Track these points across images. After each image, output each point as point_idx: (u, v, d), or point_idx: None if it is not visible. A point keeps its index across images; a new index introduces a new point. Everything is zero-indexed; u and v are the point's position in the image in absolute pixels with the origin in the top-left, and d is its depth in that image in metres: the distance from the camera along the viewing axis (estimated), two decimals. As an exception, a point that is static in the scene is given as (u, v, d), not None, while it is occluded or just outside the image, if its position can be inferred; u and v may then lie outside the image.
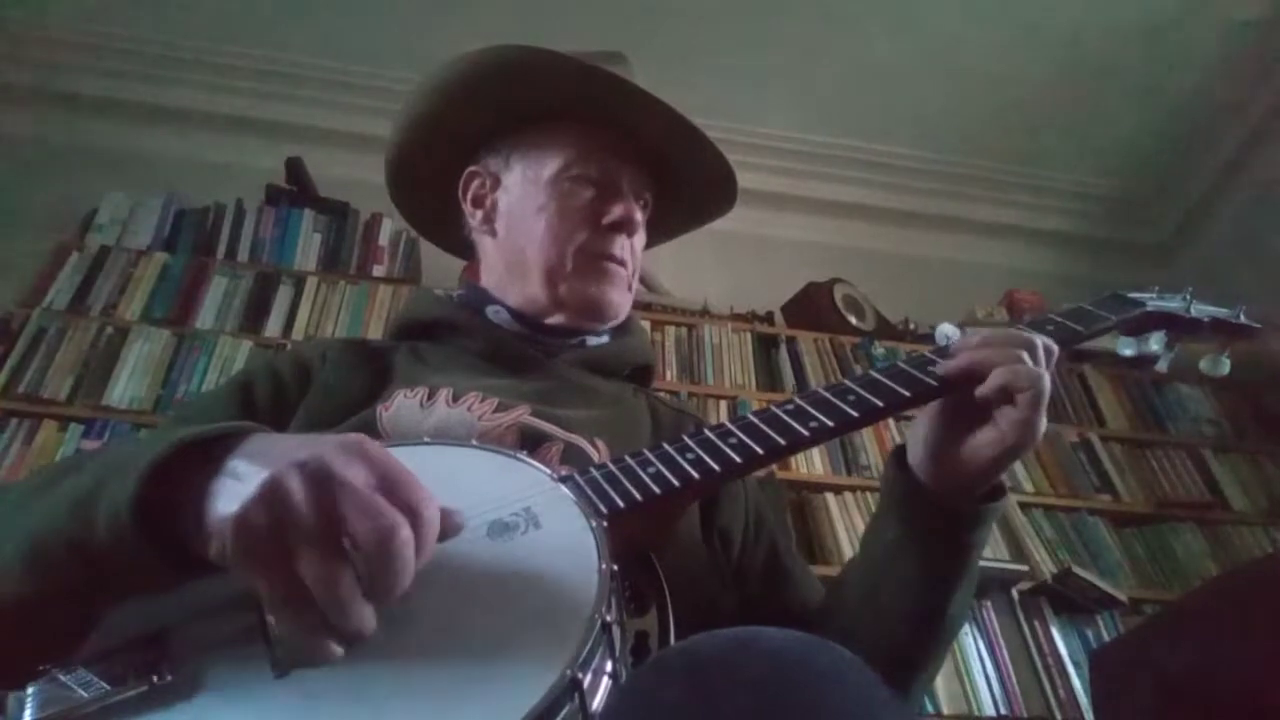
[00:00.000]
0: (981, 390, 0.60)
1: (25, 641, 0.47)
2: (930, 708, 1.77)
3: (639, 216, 0.91)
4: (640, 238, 0.94)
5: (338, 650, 0.43)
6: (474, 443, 0.64)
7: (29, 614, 0.48)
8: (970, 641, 1.90)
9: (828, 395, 0.62)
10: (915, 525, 0.65)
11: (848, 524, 2.04)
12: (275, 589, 0.43)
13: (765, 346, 2.44)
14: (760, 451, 0.58)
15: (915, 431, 0.66)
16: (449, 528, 0.48)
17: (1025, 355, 0.60)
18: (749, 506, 0.84)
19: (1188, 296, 0.78)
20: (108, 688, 0.44)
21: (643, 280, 2.31)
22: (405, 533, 0.43)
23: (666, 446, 0.60)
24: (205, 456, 0.47)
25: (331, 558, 0.42)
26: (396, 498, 0.45)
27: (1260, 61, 2.73)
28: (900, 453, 0.68)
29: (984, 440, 0.60)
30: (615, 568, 0.49)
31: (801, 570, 0.85)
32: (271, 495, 0.43)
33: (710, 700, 0.40)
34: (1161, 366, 0.76)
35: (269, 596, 0.43)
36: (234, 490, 0.44)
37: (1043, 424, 0.59)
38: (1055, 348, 0.63)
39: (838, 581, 0.76)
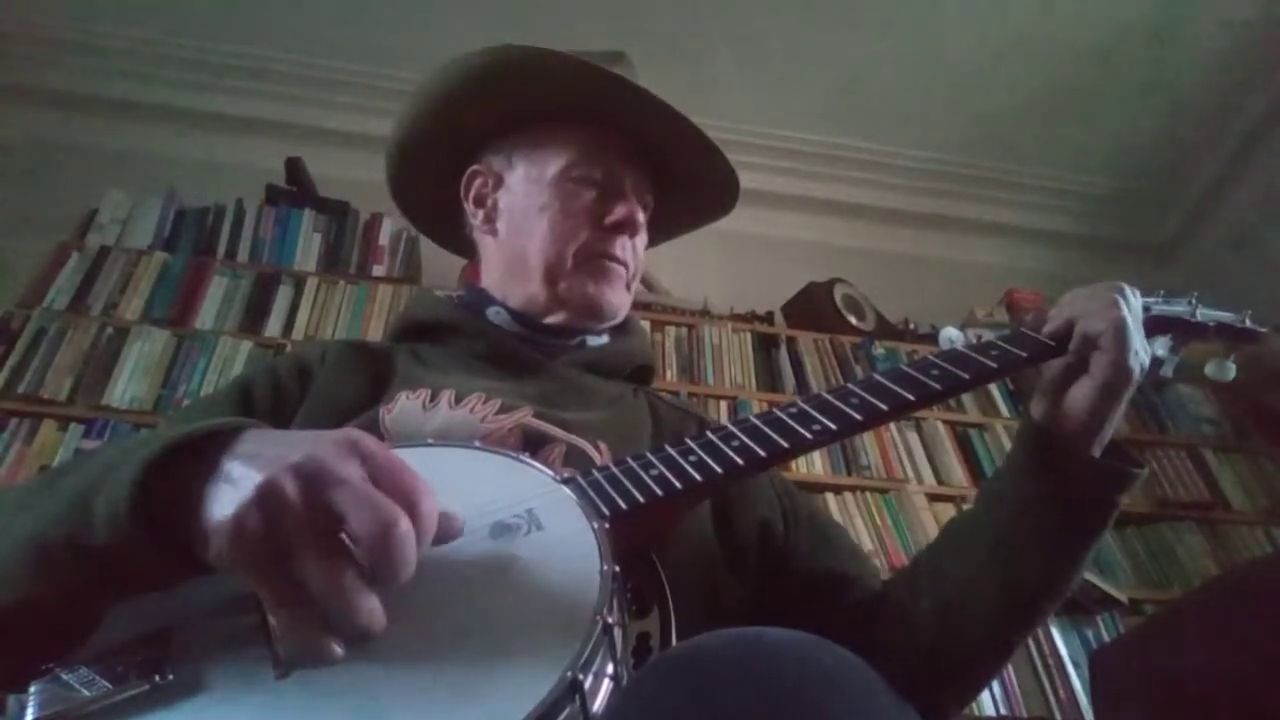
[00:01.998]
0: (1070, 346, 0.64)
1: (27, 641, 0.47)
2: (930, 707, 1.77)
3: (641, 217, 0.91)
4: (642, 238, 0.94)
5: (339, 650, 0.43)
6: (477, 444, 0.64)
7: (30, 613, 0.48)
8: (970, 641, 1.90)
9: (831, 398, 0.62)
10: (1056, 486, 0.65)
11: (848, 524, 2.04)
12: (274, 592, 0.43)
13: (765, 346, 2.44)
14: (762, 453, 0.58)
15: (1034, 407, 0.68)
16: (447, 531, 0.48)
17: (1108, 300, 0.64)
18: (777, 490, 0.84)
19: (1193, 301, 0.77)
20: (109, 687, 0.44)
21: (643, 280, 2.31)
22: (405, 524, 0.43)
23: (669, 448, 0.60)
24: (201, 456, 0.47)
25: (332, 555, 0.42)
26: (393, 489, 0.45)
27: (1260, 61, 2.73)
28: (1030, 418, 0.69)
29: (1081, 389, 0.64)
30: (617, 569, 0.49)
31: (848, 538, 0.86)
32: (266, 498, 0.42)
33: (712, 701, 0.40)
34: (1167, 371, 0.76)
35: (268, 599, 0.43)
36: (229, 494, 0.44)
37: (1134, 360, 0.62)
38: (1136, 291, 0.67)
39: (950, 535, 0.74)
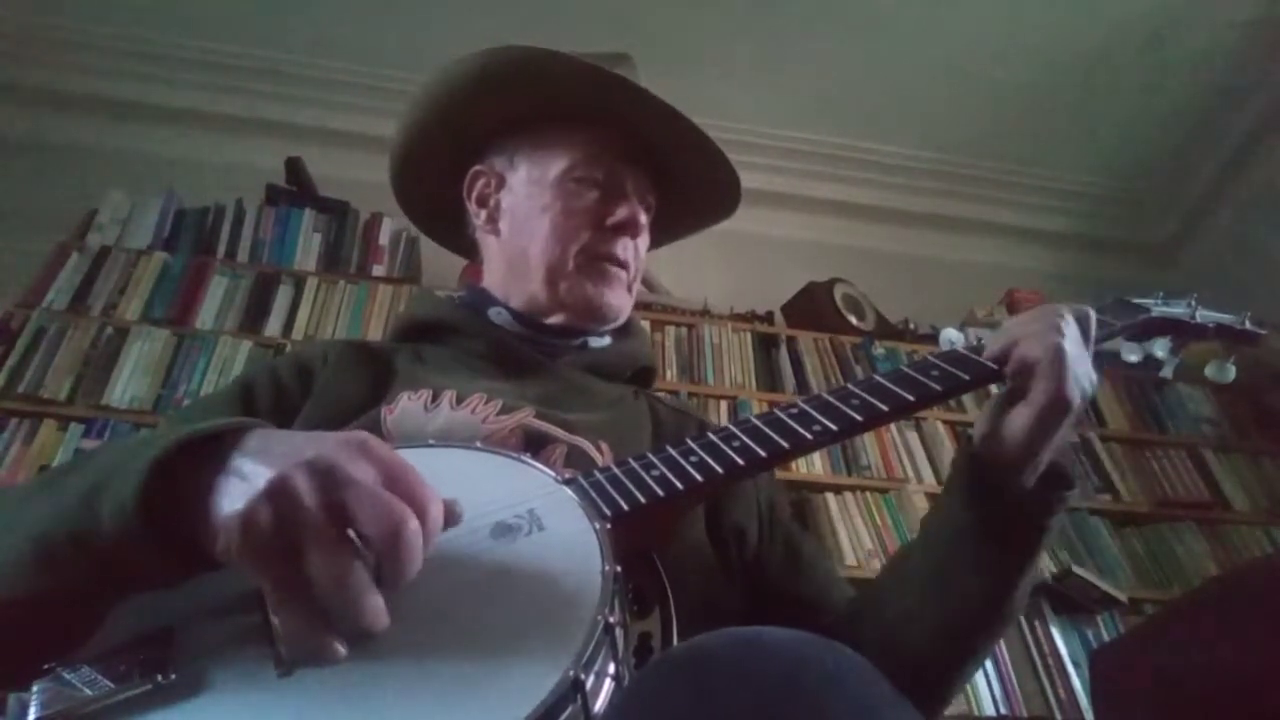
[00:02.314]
0: (1007, 369, 0.62)
1: (30, 639, 0.47)
2: (930, 707, 1.78)
3: (643, 218, 0.91)
4: (644, 239, 0.94)
5: (341, 650, 0.43)
6: (478, 445, 0.64)
7: (34, 611, 0.48)
8: (970, 641, 1.90)
9: (831, 399, 0.62)
10: (988, 510, 0.64)
11: (848, 524, 2.04)
12: (280, 587, 0.43)
13: (765, 346, 2.44)
14: (763, 454, 0.58)
15: (976, 427, 0.67)
16: (449, 517, 0.49)
17: (1048, 325, 0.61)
18: (761, 500, 0.83)
19: (1192, 302, 0.77)
20: (112, 686, 0.44)
21: (643, 280, 2.31)
22: (414, 525, 0.44)
23: (669, 449, 0.60)
24: (209, 453, 0.47)
25: (341, 553, 0.43)
26: (402, 493, 0.45)
27: (1260, 61, 2.73)
28: (968, 442, 0.68)
29: (1018, 415, 0.61)
30: (618, 569, 0.49)
31: (821, 556, 0.85)
32: (278, 493, 0.43)
33: (713, 701, 0.40)
34: (1166, 373, 0.76)
35: (274, 595, 0.44)
36: (240, 489, 0.44)
37: (1073, 389, 0.59)
38: (1089, 312, 0.66)
39: (892, 569, 0.75)
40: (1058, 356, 0.59)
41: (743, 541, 0.79)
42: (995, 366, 0.63)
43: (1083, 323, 0.64)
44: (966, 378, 0.63)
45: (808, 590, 0.79)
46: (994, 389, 0.67)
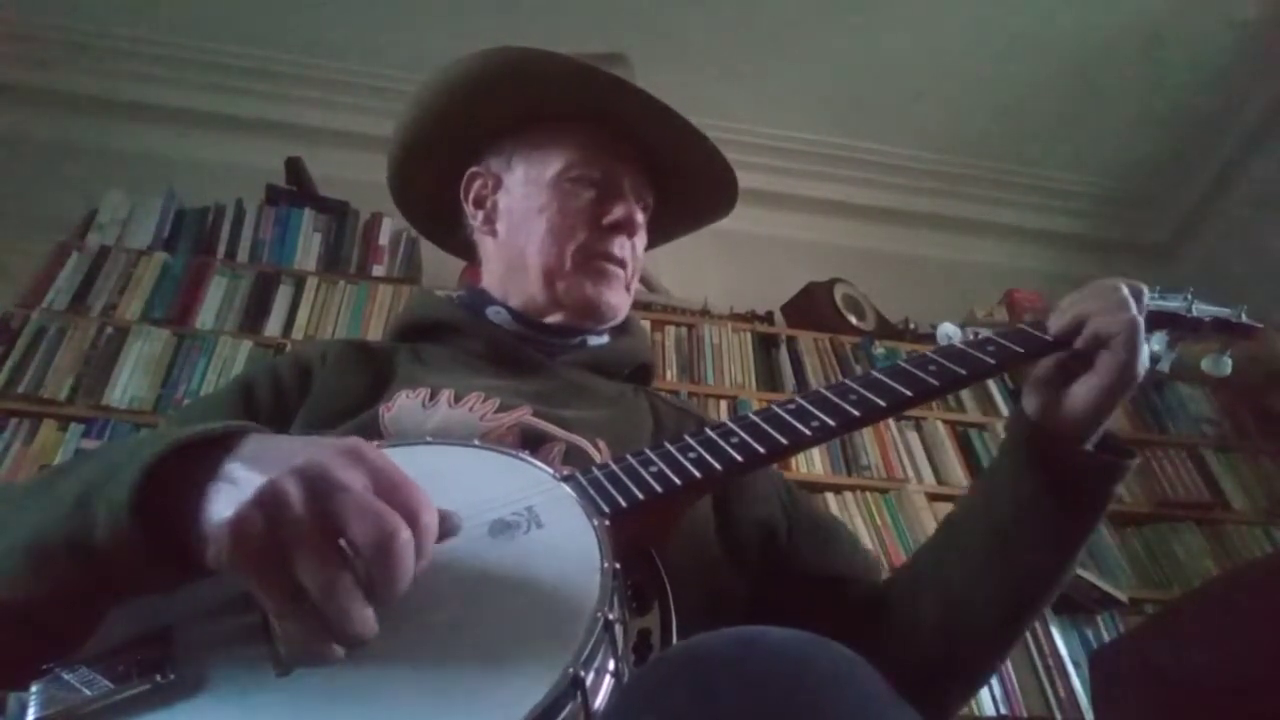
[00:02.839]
0: (1079, 342, 0.64)
1: (28, 641, 0.47)
2: (930, 707, 1.77)
3: (640, 218, 0.91)
4: (641, 239, 0.94)
5: (339, 652, 0.43)
6: (476, 442, 0.64)
7: (31, 614, 0.48)
8: (970, 641, 1.90)
9: (830, 395, 0.62)
10: (1053, 479, 0.65)
11: (848, 524, 2.03)
12: (272, 594, 0.42)
13: (765, 346, 2.44)
14: (762, 450, 0.58)
15: (1026, 402, 0.68)
16: (446, 529, 0.48)
17: (1119, 300, 0.63)
18: (780, 489, 0.84)
19: (1188, 297, 0.78)
20: (111, 686, 0.44)
21: (643, 280, 2.31)
22: (405, 534, 0.43)
23: (668, 445, 0.60)
24: (202, 458, 0.46)
25: (330, 562, 0.42)
26: (395, 501, 0.44)
27: (1260, 61, 2.73)
28: (1021, 415, 0.69)
29: (1084, 387, 0.64)
30: (617, 566, 0.49)
31: (848, 533, 0.86)
32: (268, 500, 0.42)
33: (713, 700, 0.40)
34: (1163, 367, 0.76)
35: (266, 601, 0.43)
36: (230, 495, 0.43)
37: (1140, 363, 0.63)
38: (1141, 287, 0.67)
39: (947, 535, 0.74)
40: (1134, 332, 0.62)
41: (771, 534, 0.79)
42: (1050, 339, 0.65)
43: (1139, 298, 0.66)
44: (1020, 350, 0.64)
45: (843, 566, 0.80)
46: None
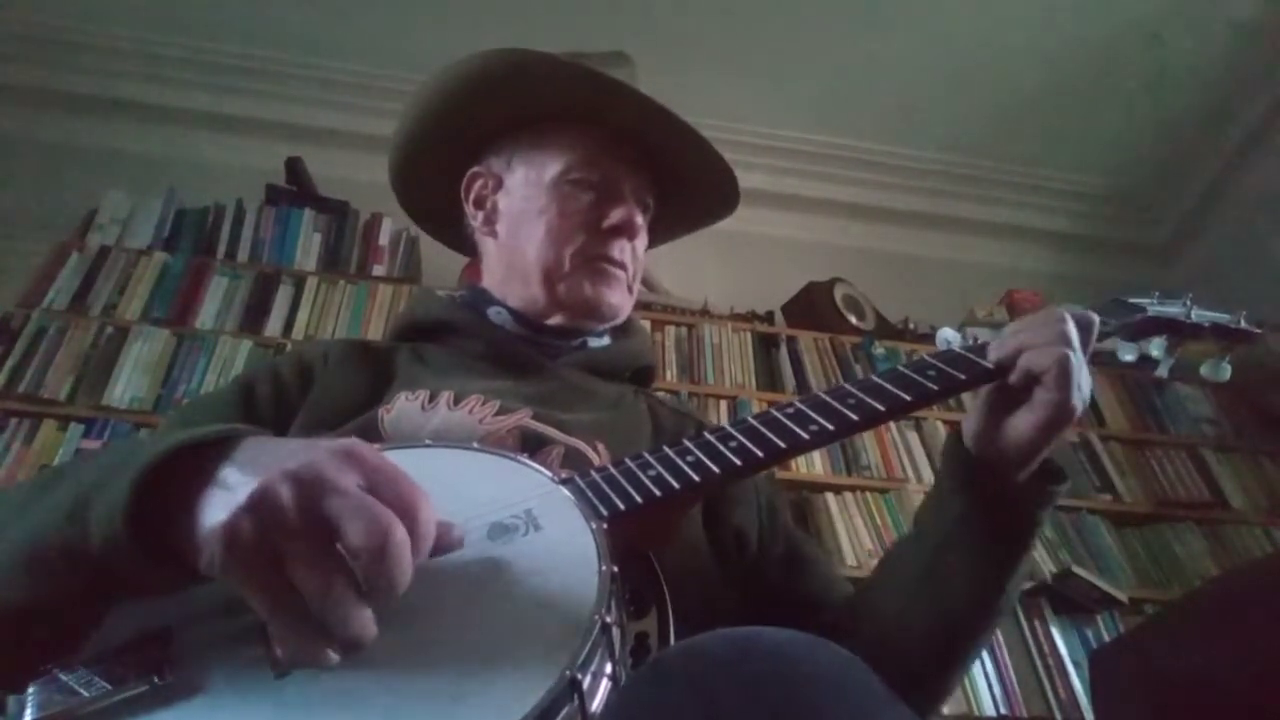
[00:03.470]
0: (1011, 378, 0.62)
1: (26, 643, 0.47)
2: (930, 707, 1.77)
3: (639, 220, 0.91)
4: (641, 241, 0.94)
5: (335, 656, 0.42)
6: (475, 445, 0.64)
7: (29, 618, 0.47)
8: (970, 641, 1.90)
9: (828, 399, 0.62)
10: (978, 506, 0.65)
11: (848, 524, 2.04)
12: (265, 600, 0.42)
13: (765, 346, 2.44)
14: (760, 454, 0.58)
15: (967, 420, 0.67)
16: (446, 542, 0.47)
17: (1056, 334, 0.61)
18: (761, 503, 0.84)
19: (1187, 302, 0.77)
20: (109, 687, 0.44)
21: (643, 280, 2.31)
22: (400, 533, 0.42)
23: (666, 449, 0.60)
24: (199, 462, 0.46)
25: (325, 565, 0.41)
26: (390, 499, 0.44)
27: (1260, 62, 2.73)
28: (957, 438, 0.68)
29: (1021, 421, 0.62)
30: (615, 569, 0.49)
31: (822, 558, 0.86)
32: (261, 504, 0.42)
33: (710, 701, 0.40)
34: (1162, 372, 0.76)
35: (260, 607, 0.42)
36: (223, 500, 0.43)
37: (1077, 399, 0.60)
38: (1093, 318, 0.65)
39: (887, 565, 0.75)
40: (1066, 368, 0.59)
41: (743, 543, 0.79)
42: (991, 367, 0.63)
43: (1086, 330, 0.64)
44: (963, 378, 0.63)
45: (808, 589, 0.79)
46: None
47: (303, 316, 2.14)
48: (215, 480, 0.45)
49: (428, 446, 0.63)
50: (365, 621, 0.42)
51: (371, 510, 0.42)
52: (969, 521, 0.65)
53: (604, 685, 0.45)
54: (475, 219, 0.96)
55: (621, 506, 0.56)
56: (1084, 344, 0.63)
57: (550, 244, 0.87)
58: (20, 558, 0.47)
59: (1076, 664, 1.90)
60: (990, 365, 0.63)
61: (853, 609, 0.75)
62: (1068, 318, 0.62)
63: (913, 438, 2.29)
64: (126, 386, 1.93)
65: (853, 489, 2.12)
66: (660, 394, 1.03)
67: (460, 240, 1.03)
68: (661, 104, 0.88)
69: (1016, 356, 0.62)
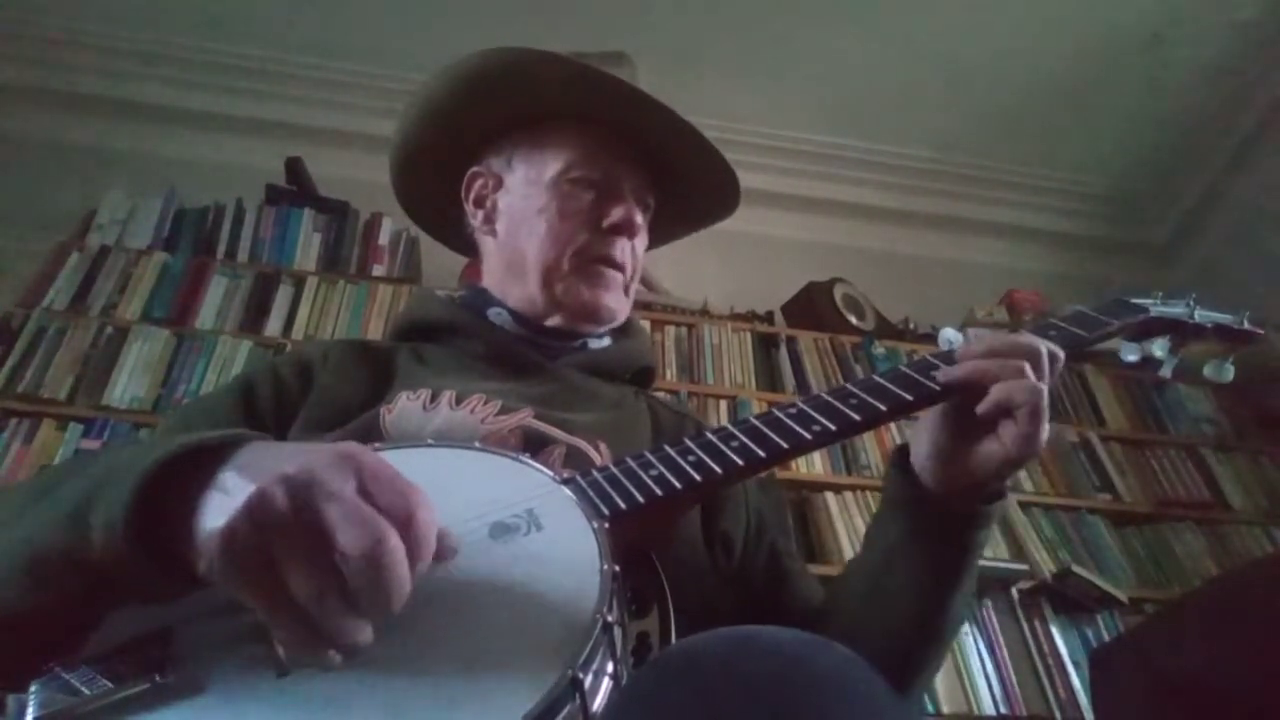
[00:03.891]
0: (981, 408, 0.60)
1: (28, 645, 0.47)
2: (930, 707, 1.77)
3: (639, 219, 0.90)
4: (641, 240, 0.94)
5: (336, 658, 0.42)
6: (477, 445, 0.64)
7: (30, 620, 0.48)
8: (970, 641, 1.90)
9: (830, 399, 0.62)
10: (918, 527, 0.65)
11: (848, 524, 2.04)
12: (263, 604, 0.42)
13: (765, 346, 2.44)
14: (762, 454, 0.58)
15: (919, 435, 0.66)
16: (443, 550, 0.47)
17: (1027, 366, 0.60)
18: (750, 510, 0.83)
19: (1191, 302, 0.77)
20: (110, 686, 0.44)
21: (643, 280, 2.31)
22: (393, 542, 0.41)
23: (668, 449, 0.60)
24: (200, 467, 0.46)
25: (319, 571, 0.41)
26: (387, 505, 0.43)
27: (1260, 62, 2.73)
28: (902, 453, 0.68)
29: (986, 451, 0.61)
30: (617, 568, 0.49)
31: (802, 572, 0.85)
32: (257, 508, 0.41)
33: (711, 700, 0.40)
34: (1165, 372, 0.76)
35: (260, 611, 0.42)
36: (221, 505, 0.43)
37: (1044, 436, 0.59)
38: (1060, 354, 0.64)
39: (840, 581, 0.76)
40: (1038, 408, 0.58)
41: (729, 549, 0.79)
42: (940, 390, 0.62)
43: (1054, 363, 0.63)
44: (935, 391, 0.62)
45: (787, 601, 0.79)
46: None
47: (303, 316, 2.14)
48: (215, 485, 0.45)
49: (430, 446, 0.63)
50: (360, 628, 0.42)
51: (365, 517, 0.42)
52: (909, 542, 0.65)
53: (605, 684, 0.45)
54: (475, 218, 0.96)
55: (623, 506, 0.56)
56: (1051, 374, 0.62)
57: (550, 243, 0.87)
58: (21, 560, 0.47)
59: (1076, 663, 1.90)
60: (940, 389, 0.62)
61: (812, 623, 0.74)
62: (1043, 350, 0.61)
63: (913, 438, 2.29)
64: (126, 386, 1.93)
65: (853, 489, 2.12)
66: (660, 394, 1.03)
67: (460, 241, 1.03)
68: (661, 102, 0.88)
69: (985, 382, 0.60)
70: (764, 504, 0.87)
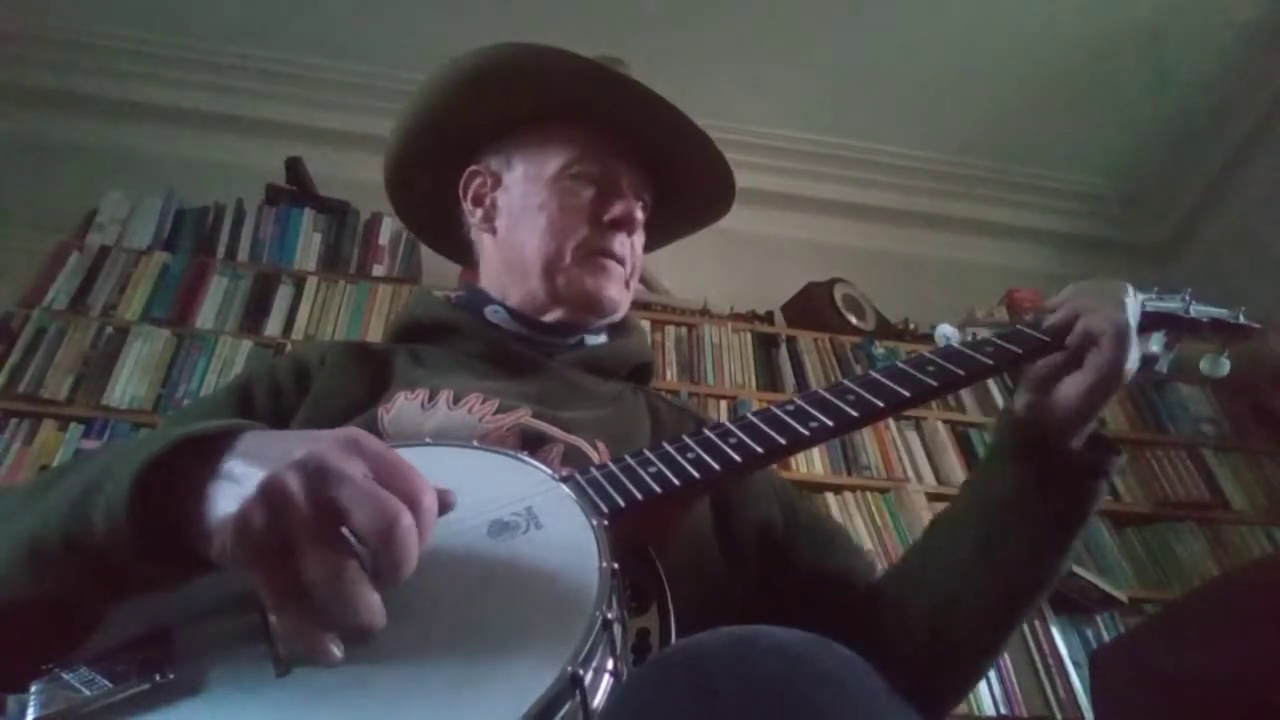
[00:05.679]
0: (1069, 339, 0.65)
1: (29, 640, 0.47)
2: (930, 707, 1.77)
3: (639, 215, 0.91)
4: (640, 236, 0.94)
5: (338, 653, 0.43)
6: (475, 443, 0.64)
7: (29, 612, 0.48)
8: (970, 641, 1.90)
9: (828, 395, 0.62)
10: (1038, 477, 0.66)
11: (848, 523, 2.04)
12: (276, 588, 0.43)
13: (765, 346, 2.44)
14: (760, 451, 0.58)
15: (1016, 398, 0.69)
16: (443, 506, 0.49)
17: (1109, 300, 0.65)
18: (775, 489, 0.84)
19: (1187, 297, 0.78)
20: (110, 686, 0.44)
21: (643, 280, 2.31)
22: (407, 519, 0.43)
23: (667, 446, 0.60)
24: (201, 456, 0.47)
25: (335, 551, 0.43)
26: (395, 487, 0.45)
27: (1260, 61, 2.73)
28: (1008, 412, 0.70)
29: (1074, 382, 0.65)
30: (616, 566, 0.49)
31: (848, 535, 0.87)
32: (271, 494, 0.43)
33: (712, 699, 0.40)
34: (1161, 367, 0.76)
35: (270, 595, 0.44)
36: (232, 491, 0.44)
37: (1129, 361, 0.64)
38: (1135, 291, 0.68)
39: (929, 539, 0.75)
40: (1123, 333, 0.63)
41: (769, 533, 0.79)
42: (1047, 339, 0.66)
43: (1134, 298, 0.67)
44: (1019, 351, 0.65)
45: (840, 565, 0.80)
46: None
47: (303, 316, 2.15)
48: (220, 473, 0.46)
49: (428, 445, 0.63)
50: (374, 605, 0.43)
51: (378, 495, 0.44)
52: (1026, 492, 0.66)
53: (605, 681, 0.45)
54: (474, 216, 0.96)
55: (622, 503, 0.56)
56: (1136, 317, 0.66)
57: (551, 237, 0.87)
58: (22, 551, 0.47)
59: (1076, 664, 1.90)
60: (1046, 338, 0.66)
61: (898, 583, 0.75)
62: (1127, 286, 0.67)
63: (912, 437, 2.29)
64: (126, 386, 1.93)
65: (852, 489, 2.12)
66: (661, 392, 1.03)
67: (454, 247, 1.03)
68: (663, 98, 0.88)
69: (1071, 322, 0.65)
70: (790, 492, 0.88)
